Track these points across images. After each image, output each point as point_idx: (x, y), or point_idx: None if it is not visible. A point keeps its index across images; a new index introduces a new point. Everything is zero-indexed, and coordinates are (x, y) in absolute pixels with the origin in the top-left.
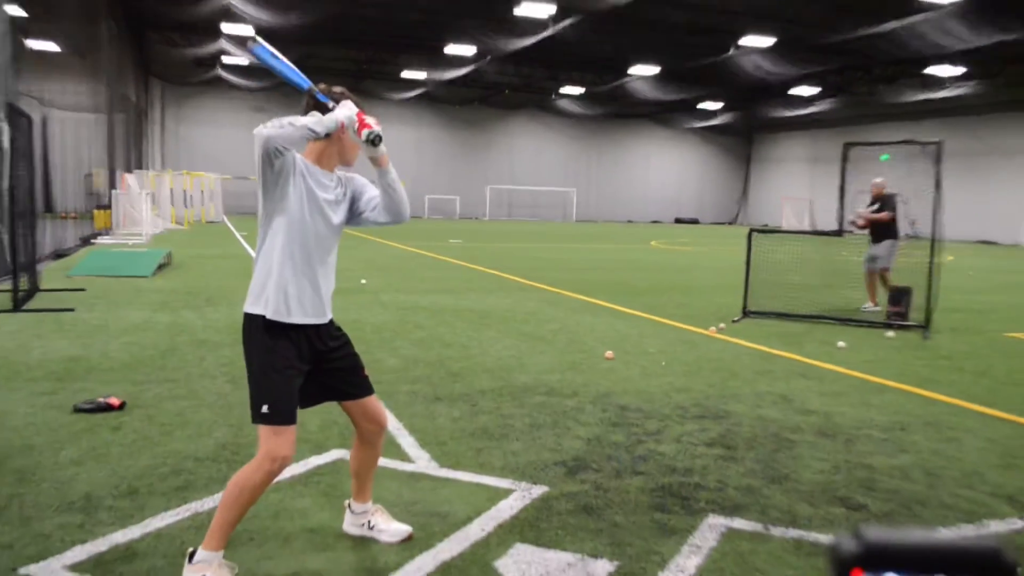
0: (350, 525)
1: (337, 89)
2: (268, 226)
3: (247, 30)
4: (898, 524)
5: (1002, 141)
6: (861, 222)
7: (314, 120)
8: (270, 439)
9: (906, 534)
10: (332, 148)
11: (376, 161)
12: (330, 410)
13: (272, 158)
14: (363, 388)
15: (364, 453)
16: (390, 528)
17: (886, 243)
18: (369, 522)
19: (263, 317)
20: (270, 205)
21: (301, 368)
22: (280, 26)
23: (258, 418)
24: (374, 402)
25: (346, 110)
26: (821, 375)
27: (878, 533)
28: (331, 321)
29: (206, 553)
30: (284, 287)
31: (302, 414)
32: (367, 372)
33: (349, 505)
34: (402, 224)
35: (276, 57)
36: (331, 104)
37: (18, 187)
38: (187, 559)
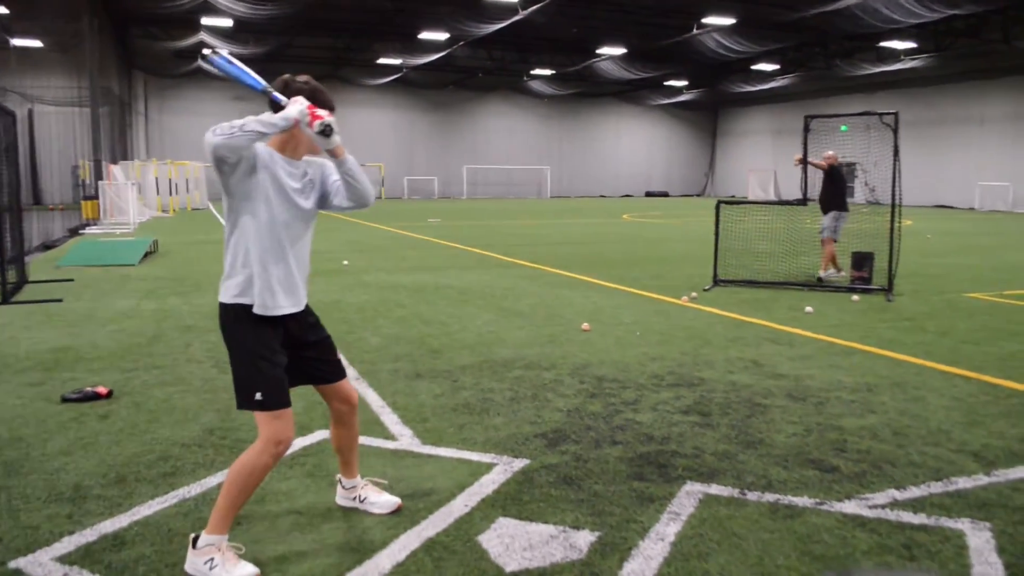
0: (341, 499)
1: (302, 78)
2: (236, 220)
3: (226, 22)
4: (869, 483)
5: (955, 110)
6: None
7: (262, 121)
8: (271, 424)
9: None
10: (298, 137)
11: (332, 152)
12: (313, 392)
13: (226, 162)
14: (336, 372)
15: (341, 431)
16: (380, 500)
17: (831, 214)
18: (359, 496)
19: (246, 308)
20: (235, 201)
21: (283, 353)
22: (257, 17)
23: (251, 405)
24: (345, 384)
25: (297, 106)
26: (790, 340)
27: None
28: (306, 307)
29: (211, 537)
30: (263, 279)
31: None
32: (339, 355)
33: (340, 480)
34: (367, 208)
35: (231, 63)
36: (284, 102)
37: (3, 183)
38: (191, 544)
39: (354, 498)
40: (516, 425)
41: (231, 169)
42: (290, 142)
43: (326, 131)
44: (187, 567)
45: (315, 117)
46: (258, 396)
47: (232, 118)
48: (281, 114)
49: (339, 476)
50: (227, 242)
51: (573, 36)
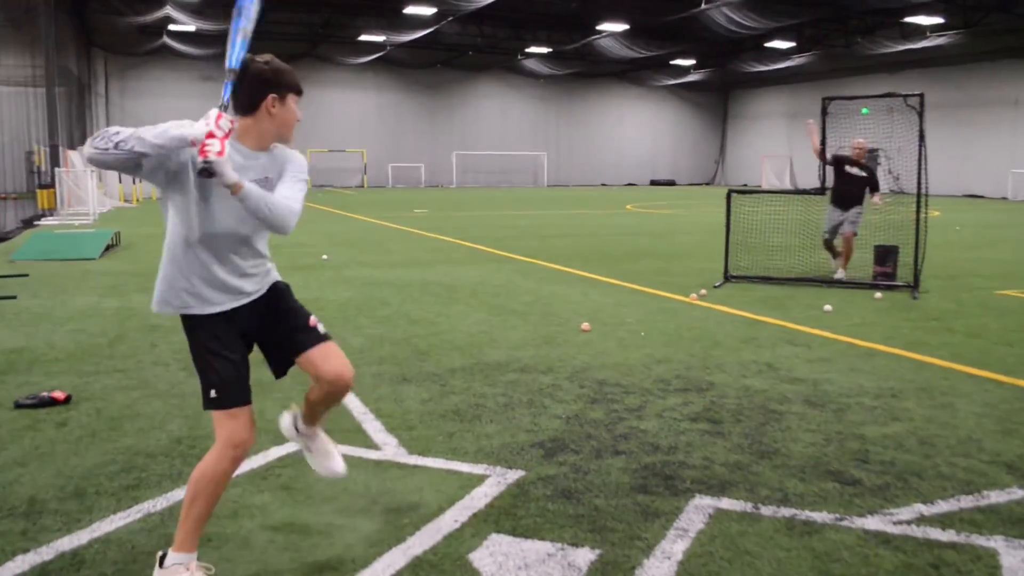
0: (287, 430)
1: (263, 58)
2: (166, 215)
3: None
4: (893, 497)
5: (986, 91)
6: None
7: (143, 139)
8: (226, 424)
9: None
10: (263, 124)
11: (228, 189)
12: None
13: (132, 170)
14: (314, 336)
15: (322, 397)
16: (324, 464)
17: (855, 209)
18: (309, 446)
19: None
20: (162, 194)
21: (240, 345)
22: None
23: (208, 404)
24: (329, 352)
25: (202, 124)
26: (808, 341)
27: None
28: (271, 287)
29: (179, 555)
30: (184, 285)
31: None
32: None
33: (296, 414)
34: (285, 236)
35: (240, 18)
36: (223, 101)
37: None
38: (157, 564)
39: (306, 447)
40: (510, 433)
41: (150, 170)
42: (253, 128)
43: (203, 173)
44: None
45: (202, 152)
46: (212, 393)
47: (200, 100)
48: (179, 131)
49: (297, 412)
50: (166, 234)
51: (571, 11)
